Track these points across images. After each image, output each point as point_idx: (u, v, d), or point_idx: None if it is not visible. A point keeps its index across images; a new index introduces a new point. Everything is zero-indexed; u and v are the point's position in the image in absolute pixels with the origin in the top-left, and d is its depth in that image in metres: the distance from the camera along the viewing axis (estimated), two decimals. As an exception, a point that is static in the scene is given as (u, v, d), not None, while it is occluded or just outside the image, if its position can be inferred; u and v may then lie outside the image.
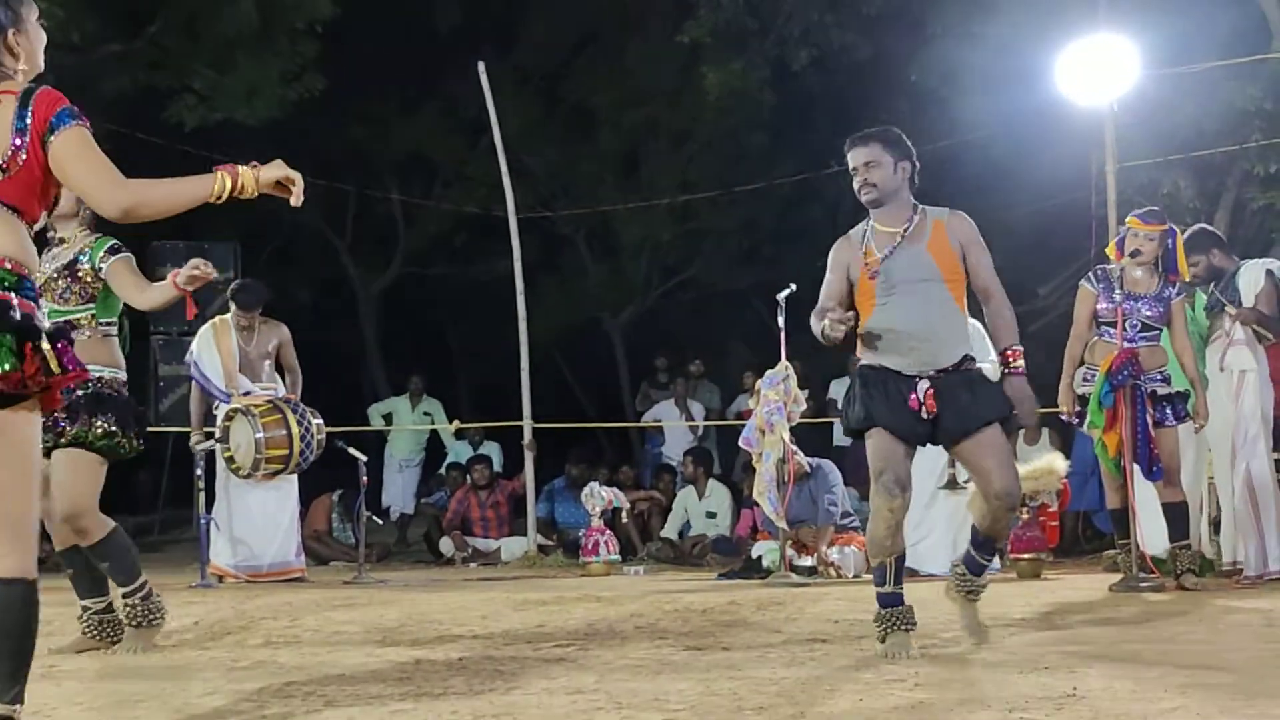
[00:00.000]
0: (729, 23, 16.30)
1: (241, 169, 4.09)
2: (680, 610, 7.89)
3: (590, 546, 11.96)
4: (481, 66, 13.48)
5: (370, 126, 20.47)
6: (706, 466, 13.73)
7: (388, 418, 16.57)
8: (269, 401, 10.49)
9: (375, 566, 12.60)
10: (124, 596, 6.46)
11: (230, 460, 10.46)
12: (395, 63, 19.85)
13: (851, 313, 5.98)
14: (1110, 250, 8.96)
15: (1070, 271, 15.23)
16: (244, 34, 16.13)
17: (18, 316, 3.67)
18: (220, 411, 10.82)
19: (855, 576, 10.46)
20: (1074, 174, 13.62)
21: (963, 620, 6.25)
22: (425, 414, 16.52)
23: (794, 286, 10.36)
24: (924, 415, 5.91)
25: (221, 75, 16.22)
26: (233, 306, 11.18)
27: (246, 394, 10.76)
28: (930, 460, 10.53)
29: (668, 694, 4.85)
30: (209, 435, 10.84)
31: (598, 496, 12.15)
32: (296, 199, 4.26)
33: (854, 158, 6.17)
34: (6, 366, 3.61)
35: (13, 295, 3.72)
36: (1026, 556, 10.12)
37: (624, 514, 12.98)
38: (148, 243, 15.88)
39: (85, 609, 6.50)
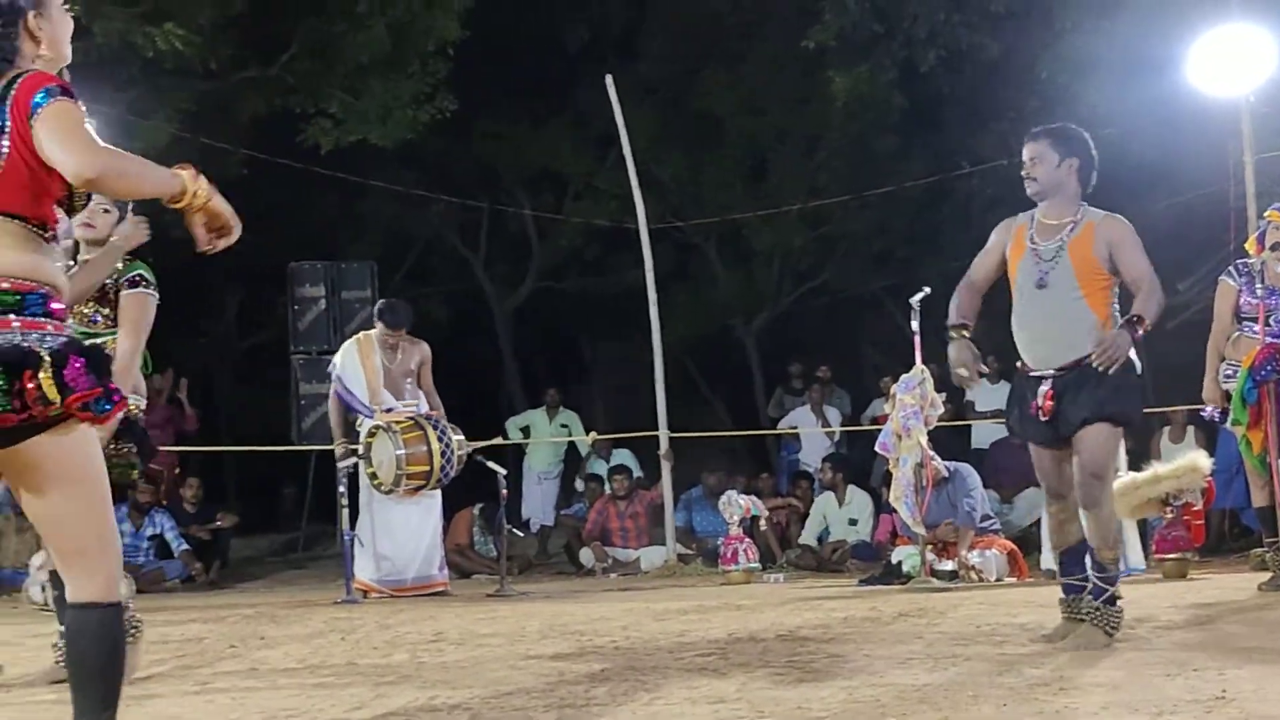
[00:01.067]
0: (854, 26, 16.23)
1: (202, 180, 3.81)
2: (821, 617, 7.88)
3: (729, 555, 11.96)
4: (609, 80, 13.57)
5: (500, 143, 20.66)
6: (846, 473, 13.68)
7: (525, 431, 16.71)
8: (411, 418, 10.65)
9: (517, 579, 12.71)
10: None
11: (373, 476, 10.64)
12: (523, 79, 20.04)
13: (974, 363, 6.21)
14: (1250, 245, 8.80)
15: (1210, 265, 14.93)
16: (376, 58, 16.40)
17: (4, 344, 3.47)
18: (363, 427, 10.99)
19: (997, 580, 10.36)
20: (1211, 166, 13.37)
21: (1071, 642, 6.04)
22: (562, 426, 16.63)
23: (928, 289, 10.32)
24: (1041, 418, 6.03)
25: (355, 98, 16.50)
26: (379, 325, 11.32)
27: (389, 410, 10.93)
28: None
29: (810, 702, 4.86)
30: (352, 451, 11.02)
31: (735, 505, 12.14)
32: (203, 244, 3.88)
33: (1025, 153, 6.33)
34: (53, 398, 3.45)
35: (12, 318, 3.53)
36: (1172, 556, 9.96)
37: (762, 521, 12.97)
38: (285, 263, 16.22)
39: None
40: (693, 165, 20.30)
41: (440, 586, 11.31)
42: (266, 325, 20.66)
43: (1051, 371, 6.05)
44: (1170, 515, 9.96)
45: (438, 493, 11.18)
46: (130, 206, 6.22)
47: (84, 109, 3.67)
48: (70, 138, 3.55)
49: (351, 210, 19.79)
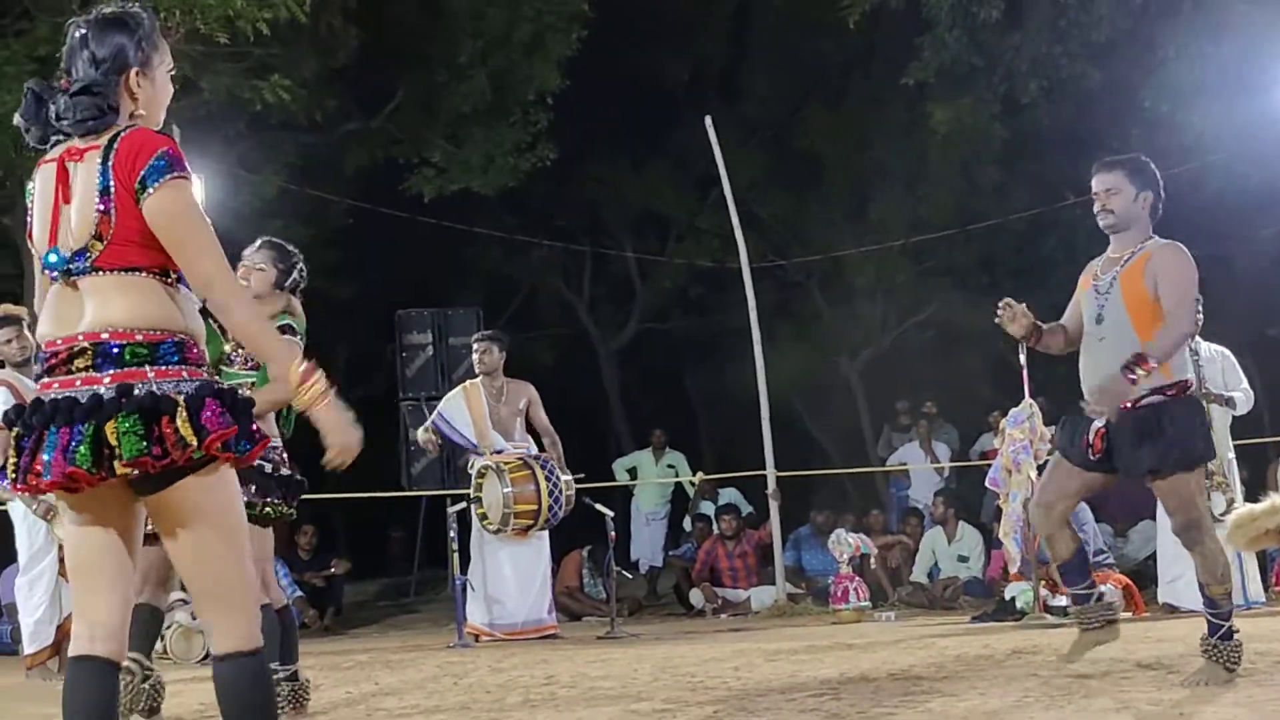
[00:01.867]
0: (954, 61, 16.19)
1: (315, 382, 3.67)
2: (934, 655, 7.82)
3: (840, 594, 11.90)
4: (709, 121, 13.64)
5: (602, 186, 20.81)
6: (956, 508, 13.57)
7: (632, 472, 16.75)
8: (520, 459, 10.75)
9: (627, 620, 12.73)
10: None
11: (483, 517, 10.74)
12: (624, 122, 20.20)
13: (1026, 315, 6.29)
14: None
15: (1324, 289, 14.72)
16: (478, 108, 16.64)
17: (140, 393, 3.53)
18: (474, 469, 11.11)
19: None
20: (1321, 188, 13.20)
21: (1192, 679, 5.91)
22: (669, 466, 16.65)
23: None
24: (1090, 456, 5.98)
25: (457, 147, 16.73)
26: (476, 351, 11.47)
27: (499, 452, 11.03)
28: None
29: (924, 742, 4.83)
30: (464, 498, 11.12)
31: (844, 543, 12.09)
32: (335, 455, 3.72)
33: (1097, 183, 6.20)
34: (132, 453, 3.48)
35: (147, 369, 3.58)
36: (1297, 587, 9.77)
37: (872, 559, 12.89)
38: (392, 311, 16.41)
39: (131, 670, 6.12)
40: (794, 203, 20.32)
41: (551, 629, 11.35)
42: (376, 372, 20.91)
43: (1107, 416, 5.94)
44: (1294, 545, 9.77)
45: (546, 536, 11.26)
46: (296, 275, 6.53)
47: (191, 180, 3.68)
48: (189, 249, 3.62)
49: (456, 257, 20.02)
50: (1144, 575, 11.68)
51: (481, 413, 11.28)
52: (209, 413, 3.53)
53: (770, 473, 13.45)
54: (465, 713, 6.47)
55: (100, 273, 3.62)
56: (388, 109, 16.88)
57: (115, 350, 3.57)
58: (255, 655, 3.65)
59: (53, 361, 3.64)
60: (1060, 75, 16.09)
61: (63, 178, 3.69)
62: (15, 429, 3.61)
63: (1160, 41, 15.35)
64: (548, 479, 10.64)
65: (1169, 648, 7.44)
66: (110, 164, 3.61)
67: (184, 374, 3.61)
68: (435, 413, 11.52)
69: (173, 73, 3.91)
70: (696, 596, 13.87)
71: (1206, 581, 5.97)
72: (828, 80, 20.03)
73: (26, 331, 8.92)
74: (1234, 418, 10.42)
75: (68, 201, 3.67)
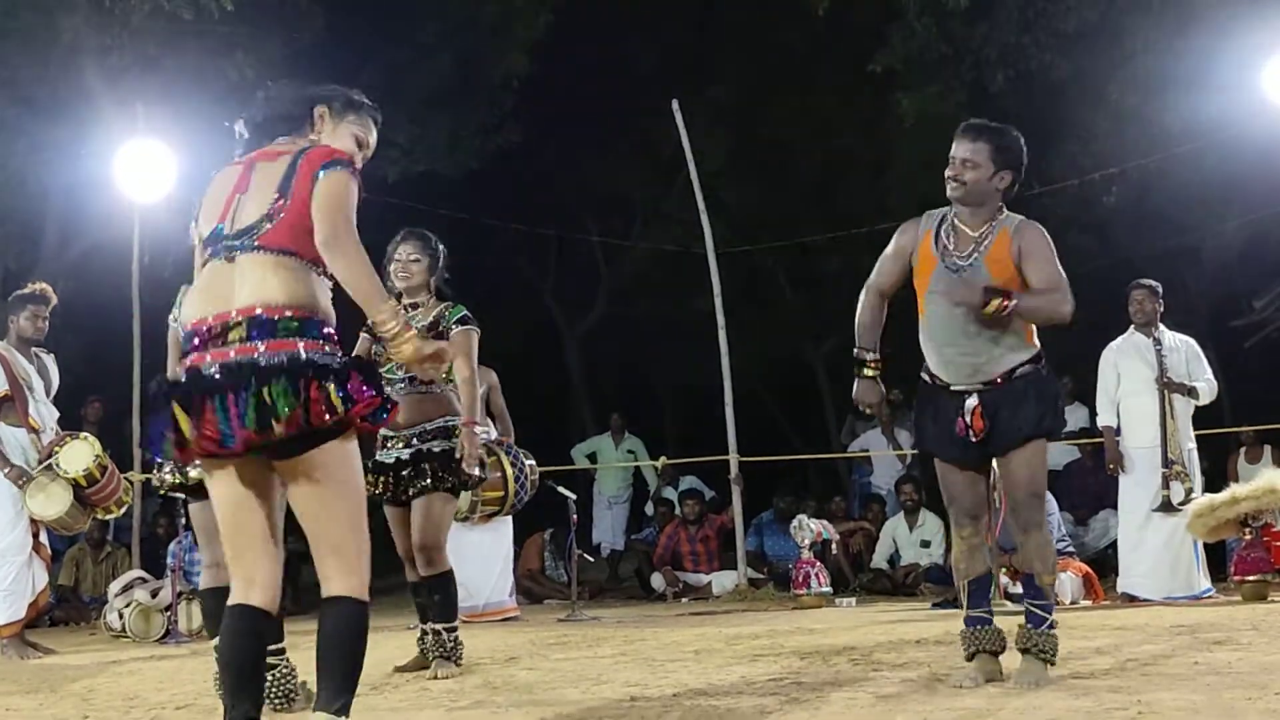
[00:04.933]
0: (922, 50, 16.21)
1: (407, 331, 4.15)
2: (894, 641, 7.83)
3: (801, 579, 11.91)
4: (676, 105, 13.61)
5: (568, 169, 20.76)
6: (920, 495, 13.59)
7: (592, 457, 16.73)
8: (484, 445, 10.68)
9: (588, 604, 12.72)
10: (444, 630, 7.10)
11: (448, 504, 10.66)
12: (590, 106, 20.14)
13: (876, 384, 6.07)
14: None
15: (1283, 284, 14.81)
16: (444, 90, 16.56)
17: (300, 359, 3.93)
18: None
19: (1072, 603, 10.27)
20: (1284, 185, 13.28)
21: (1019, 680, 5.71)
22: (629, 452, 16.64)
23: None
24: (972, 438, 5.72)
25: (423, 129, 16.65)
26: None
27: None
28: (1144, 481, 10.34)
29: (884, 726, 4.83)
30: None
31: (806, 529, 12.10)
32: (439, 361, 4.26)
33: (958, 148, 5.89)
34: (286, 410, 3.86)
35: (297, 340, 3.97)
36: (1252, 578, 9.83)
37: (834, 545, 12.91)
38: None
39: (425, 632, 7.20)
40: (761, 189, 20.32)
41: (512, 612, 11.35)
42: (342, 352, 20.82)
43: (979, 386, 5.72)
44: (1249, 536, 9.85)
45: (509, 519, 11.22)
46: (443, 257, 7.40)
47: (358, 187, 4.17)
48: (331, 209, 4.06)
49: (420, 239, 19.90)
50: (1104, 564, 11.73)
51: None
52: (354, 383, 3.97)
53: (733, 458, 13.46)
54: (424, 694, 6.45)
55: (261, 251, 4.06)
56: (352, 90, 16.79)
57: (268, 322, 3.98)
58: (361, 605, 4.07)
59: (205, 337, 4.03)
60: (1028, 65, 16.13)
61: (245, 174, 4.23)
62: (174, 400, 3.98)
63: (1128, 34, 15.39)
64: (514, 465, 10.55)
65: (1127, 636, 7.48)
66: (299, 162, 4.14)
67: (328, 348, 4.04)
68: None
69: (370, 140, 4.63)
70: (658, 580, 13.88)
71: (1038, 571, 5.76)
72: (796, 67, 20.01)
73: (49, 314, 9.42)
74: (1195, 408, 10.48)
75: (244, 191, 4.19)
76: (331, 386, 3.92)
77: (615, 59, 20.62)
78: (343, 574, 4.07)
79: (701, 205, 13.82)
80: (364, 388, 3.98)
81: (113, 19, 13.73)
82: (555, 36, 17.59)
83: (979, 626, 5.91)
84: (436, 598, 7.13)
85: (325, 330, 4.07)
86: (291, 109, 4.43)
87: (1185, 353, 10.48)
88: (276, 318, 3.98)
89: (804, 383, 21.73)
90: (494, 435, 11.13)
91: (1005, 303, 5.51)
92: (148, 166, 12.08)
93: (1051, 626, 5.76)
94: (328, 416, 3.92)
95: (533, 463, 10.76)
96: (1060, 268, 5.75)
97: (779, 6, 18.62)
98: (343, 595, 4.06)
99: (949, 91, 16.69)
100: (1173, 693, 5.27)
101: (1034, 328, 5.79)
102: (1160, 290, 10.45)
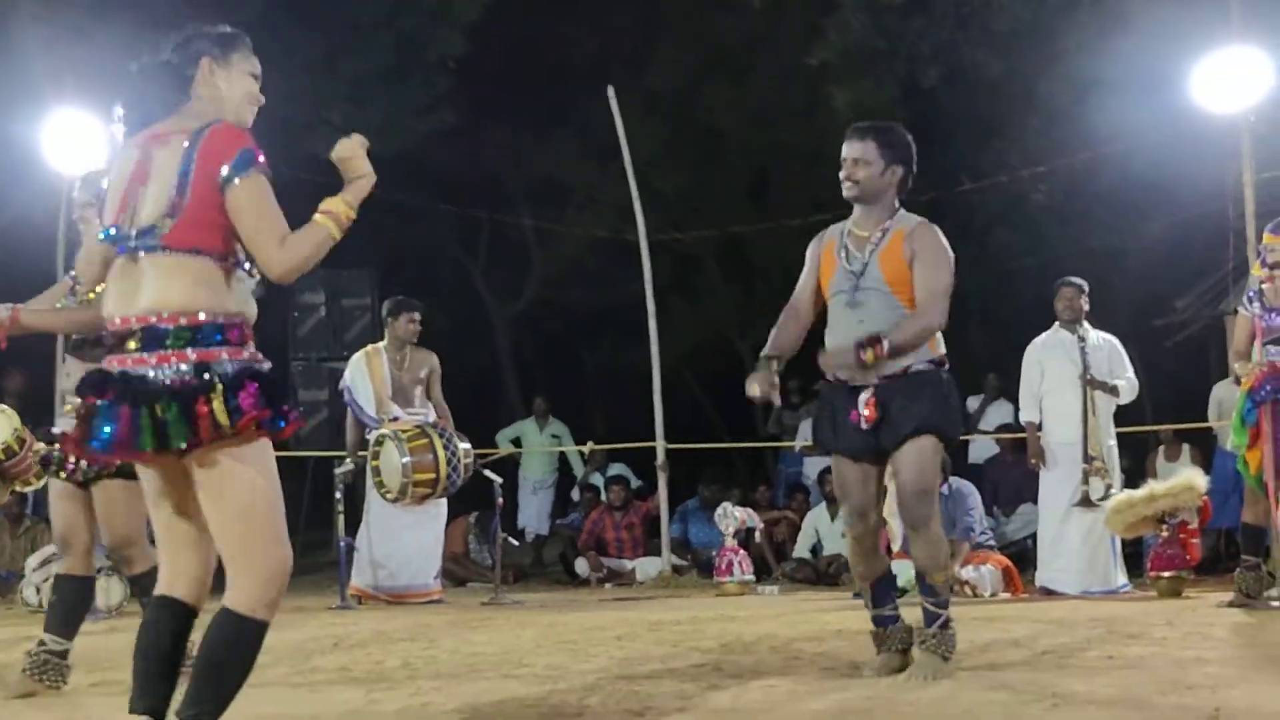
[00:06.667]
0: (857, 43, 16.28)
1: (334, 204, 4.10)
2: (815, 630, 7.87)
3: (724, 567, 11.95)
4: (611, 91, 13.59)
5: (502, 153, 20.68)
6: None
7: (516, 441, 16.69)
8: (417, 426, 10.62)
9: (511, 587, 12.71)
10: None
11: (380, 484, 10.61)
12: (527, 90, 20.07)
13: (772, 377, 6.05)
14: (1255, 267, 8.79)
15: (1208, 284, 14.97)
16: (379, 69, 16.46)
17: (185, 377, 3.79)
18: (371, 437, 10.96)
19: (992, 595, 10.37)
20: (1211, 186, 13.41)
21: (912, 673, 5.69)
22: (553, 436, 16.62)
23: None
24: (863, 426, 5.73)
25: (357, 108, 16.54)
26: (400, 320, 11.30)
27: (395, 419, 10.91)
28: (1065, 476, 10.45)
29: (802, 714, 4.87)
30: (360, 460, 10.98)
31: (731, 517, 12.13)
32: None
33: (847, 149, 5.95)
34: (179, 438, 3.76)
35: (189, 350, 3.82)
36: (1167, 575, 9.95)
37: (757, 534, 12.97)
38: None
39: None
40: (695, 178, 20.32)
41: (435, 594, 11.31)
42: (265, 331, 20.67)
43: (875, 380, 5.74)
44: (1166, 534, 9.96)
45: (443, 502, 11.17)
46: None
47: (270, 176, 3.97)
48: (266, 232, 3.88)
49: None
50: (1023, 558, 11.85)
51: (382, 378, 11.17)
52: (246, 393, 3.80)
53: (660, 444, 13.48)
54: (344, 674, 6.43)
55: (165, 251, 3.88)
56: (288, 66, 16.64)
57: (162, 333, 3.83)
58: (242, 620, 3.87)
59: (113, 340, 3.94)
60: (961, 62, 16.25)
61: (142, 164, 3.98)
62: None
63: (1061, 33, 15.53)
64: (446, 447, 10.51)
65: (1044, 629, 7.56)
66: (196, 151, 3.88)
67: (224, 355, 3.85)
68: (345, 391, 11.35)
69: (256, 78, 4.25)
70: (582, 565, 13.88)
71: (928, 569, 5.76)
72: (732, 57, 20.03)
73: None
74: (1117, 406, 10.60)
75: (143, 183, 3.96)
76: (216, 404, 3.77)
77: (552, 44, 20.56)
78: (232, 584, 3.91)
79: (635, 192, 13.82)
80: (256, 398, 3.81)
81: (44, -13, 13.57)
82: (493, 18, 17.51)
83: (886, 626, 5.94)
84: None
85: (231, 333, 3.89)
86: (171, 78, 4.09)
87: (1108, 351, 10.59)
88: (171, 327, 3.83)
89: (732, 372, 21.73)
90: (430, 418, 11.10)
91: (879, 348, 5.55)
92: (76, 137, 11.92)
93: (945, 624, 5.75)
94: (213, 435, 3.77)
95: (467, 445, 10.74)
96: (946, 273, 5.81)
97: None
98: (228, 607, 3.88)
99: (882, 86, 16.78)
100: (1087, 685, 5.34)
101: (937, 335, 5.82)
102: (1087, 288, 10.56)
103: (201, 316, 3.85)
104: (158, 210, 3.89)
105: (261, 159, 3.95)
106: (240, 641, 3.89)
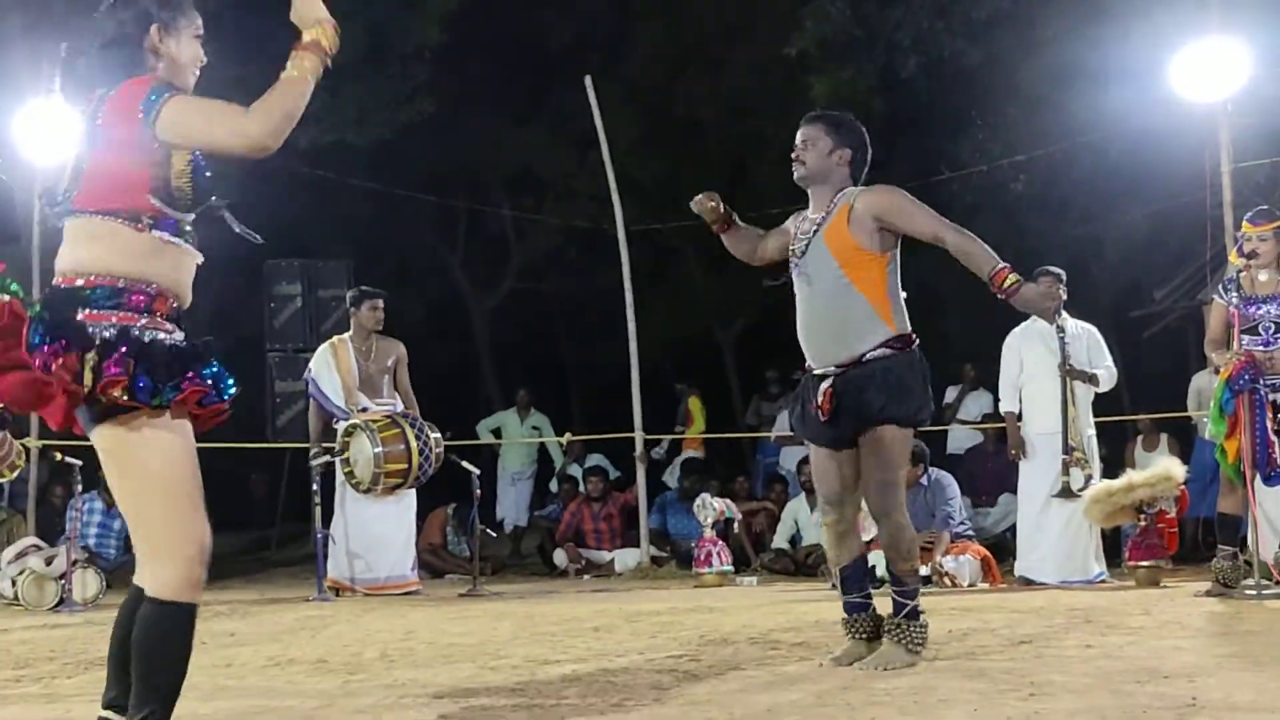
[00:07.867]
0: (836, 33, 16.26)
1: (300, 53, 4.11)
2: (793, 620, 7.86)
3: (703, 558, 11.95)
4: (589, 81, 13.56)
5: (480, 143, 20.63)
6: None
7: (496, 432, 16.67)
8: (388, 417, 10.60)
9: (490, 579, 12.68)
10: None
11: (350, 475, 10.57)
12: (504, 80, 20.04)
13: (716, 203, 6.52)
14: (1233, 256, 8.80)
15: (1187, 273, 15.01)
16: (355, 59, 16.38)
17: (70, 330, 3.68)
18: (340, 427, 10.91)
19: (970, 585, 10.37)
20: (1189, 175, 13.41)
21: (871, 662, 5.68)
22: (534, 428, 16.60)
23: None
24: (820, 418, 5.75)
25: (333, 98, 16.47)
26: (362, 308, 11.28)
27: (364, 410, 10.87)
28: (1044, 467, 10.46)
29: (780, 704, 4.85)
30: (327, 450, 10.95)
31: (709, 508, 12.13)
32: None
33: (798, 135, 6.06)
34: (87, 381, 3.64)
35: (79, 310, 3.72)
36: (1145, 564, 9.97)
37: (736, 525, 12.96)
38: (262, 261, 16.14)
39: None
40: (673, 168, 20.29)
41: (413, 586, 11.28)
42: (242, 322, 20.60)
43: (833, 369, 5.75)
44: (1144, 523, 9.98)
45: (413, 492, 11.14)
46: None
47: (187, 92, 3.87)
48: (217, 122, 3.78)
49: (329, 209, 19.72)
50: (1002, 548, 11.86)
51: (349, 368, 11.14)
52: (115, 358, 3.65)
53: (638, 435, 13.47)
54: (321, 665, 6.40)
55: (75, 215, 3.84)
56: (264, 56, 16.58)
57: (61, 294, 3.77)
58: (161, 606, 3.73)
59: None
60: (940, 52, 16.22)
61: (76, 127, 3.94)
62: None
63: (1039, 23, 15.54)
64: (418, 438, 10.49)
65: (1023, 618, 7.56)
66: (102, 107, 3.81)
67: (113, 319, 3.73)
68: (309, 382, 11.33)
69: (201, 40, 4.12)
70: (560, 557, 13.86)
71: (893, 558, 5.75)
72: (710, 46, 20.02)
73: None
74: (1095, 395, 10.61)
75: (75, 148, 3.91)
76: (91, 357, 3.64)
77: (530, 33, 20.52)
78: (145, 568, 3.79)
79: (613, 182, 13.79)
80: (119, 364, 3.65)
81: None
82: (470, 7, 17.45)
83: (856, 614, 5.93)
84: None
85: (131, 298, 3.77)
86: (126, 48, 3.99)
87: (1087, 340, 10.59)
88: (67, 288, 3.78)
89: (711, 362, 21.77)
90: (399, 408, 11.07)
91: (1004, 273, 5.60)
92: (51, 127, 11.82)
93: (913, 614, 5.72)
94: (75, 388, 3.64)
95: (438, 436, 10.71)
96: (921, 207, 5.87)
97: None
98: (150, 596, 3.76)
99: (861, 76, 16.76)
100: (1065, 675, 5.33)
101: (891, 311, 5.80)
102: (1065, 277, 10.55)
103: (93, 278, 3.76)
104: (71, 174, 3.88)
105: (173, 85, 3.87)
106: (173, 631, 3.76)
